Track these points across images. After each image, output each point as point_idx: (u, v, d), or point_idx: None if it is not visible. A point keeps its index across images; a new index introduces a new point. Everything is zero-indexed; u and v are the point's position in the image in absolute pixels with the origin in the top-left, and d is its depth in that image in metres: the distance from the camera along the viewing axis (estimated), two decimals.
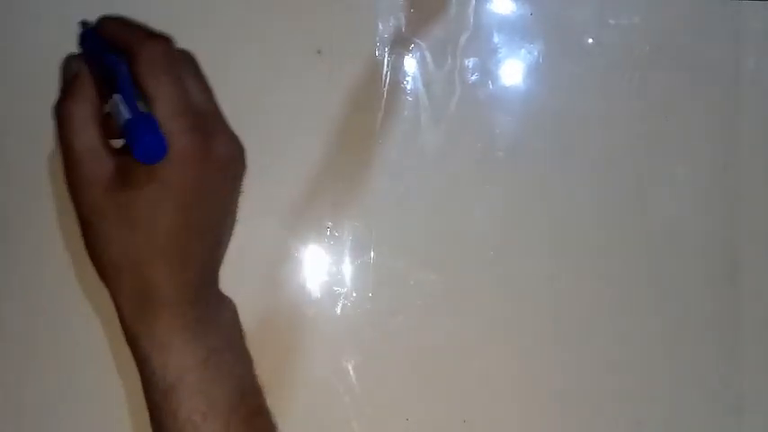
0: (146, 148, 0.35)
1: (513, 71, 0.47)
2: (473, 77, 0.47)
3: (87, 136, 0.38)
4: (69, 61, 0.41)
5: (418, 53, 0.46)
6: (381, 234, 0.47)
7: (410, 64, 0.46)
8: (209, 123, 0.38)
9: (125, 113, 0.36)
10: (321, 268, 0.46)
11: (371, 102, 0.46)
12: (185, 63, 0.40)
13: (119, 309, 0.39)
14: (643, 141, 0.48)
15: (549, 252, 0.47)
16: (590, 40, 0.47)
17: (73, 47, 0.42)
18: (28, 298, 0.46)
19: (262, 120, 0.46)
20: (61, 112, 0.38)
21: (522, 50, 0.47)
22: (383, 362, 0.47)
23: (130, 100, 0.37)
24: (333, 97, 0.46)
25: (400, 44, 0.46)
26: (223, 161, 0.38)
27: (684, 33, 0.48)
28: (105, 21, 0.41)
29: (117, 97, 0.37)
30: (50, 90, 0.47)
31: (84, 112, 0.38)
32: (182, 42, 0.44)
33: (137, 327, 0.38)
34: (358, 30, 0.46)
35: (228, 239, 0.42)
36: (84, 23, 0.42)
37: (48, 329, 0.46)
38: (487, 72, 0.47)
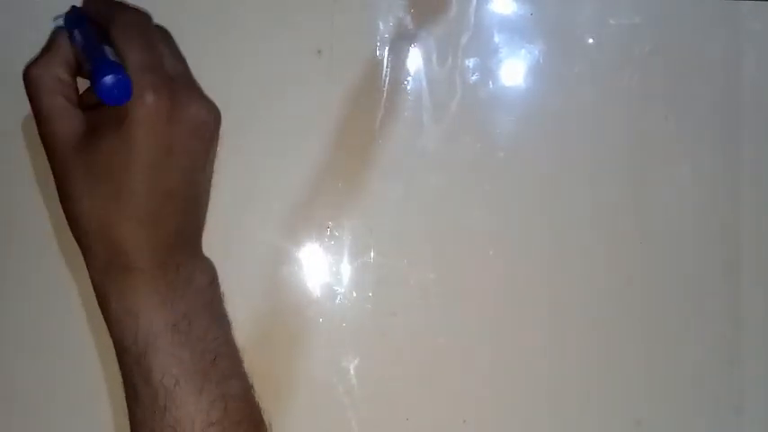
0: (108, 86, 0.35)
1: (513, 71, 0.47)
2: (474, 77, 0.47)
3: (55, 95, 0.38)
4: (52, 31, 0.41)
5: (419, 53, 0.46)
6: (381, 234, 0.47)
7: (411, 64, 0.46)
8: (178, 85, 0.38)
9: (92, 61, 0.37)
10: (321, 268, 0.46)
11: (371, 102, 0.46)
12: (161, 34, 0.41)
13: (89, 268, 0.39)
14: (643, 141, 0.48)
15: (549, 252, 0.47)
16: (590, 40, 0.47)
17: None
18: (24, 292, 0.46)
19: (262, 120, 0.46)
20: (28, 73, 0.39)
21: (523, 50, 0.47)
22: (383, 362, 0.47)
23: (100, 50, 0.37)
24: (333, 97, 0.46)
25: (401, 44, 0.46)
26: (192, 123, 0.38)
27: (684, 33, 0.48)
28: (89, 1, 0.43)
29: (86, 52, 0.38)
30: None
31: (52, 73, 0.39)
32: (182, 42, 0.44)
33: (106, 287, 0.38)
34: (358, 30, 0.46)
35: (205, 204, 0.41)
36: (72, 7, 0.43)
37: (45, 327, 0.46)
38: (488, 72, 0.47)
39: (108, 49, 0.38)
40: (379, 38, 0.46)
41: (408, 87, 0.46)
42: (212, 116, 0.39)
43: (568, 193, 0.47)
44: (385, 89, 0.46)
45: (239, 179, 0.45)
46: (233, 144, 0.44)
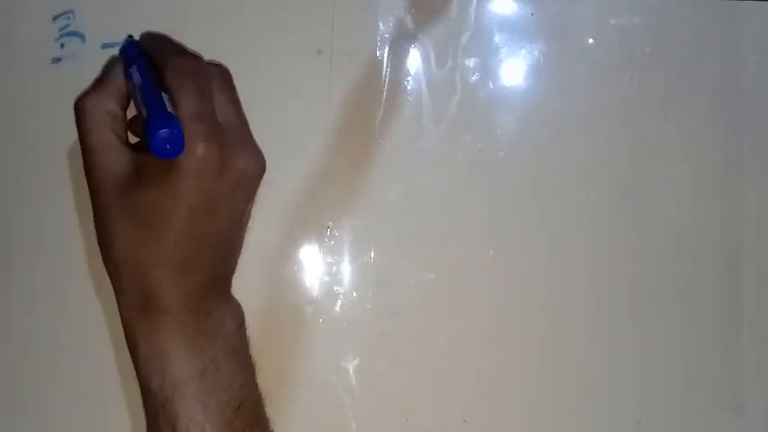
0: (161, 140, 0.34)
1: (513, 71, 0.47)
2: (474, 77, 0.47)
3: (106, 131, 0.38)
4: (108, 62, 0.42)
5: (419, 53, 0.46)
6: (381, 234, 0.47)
7: (411, 64, 0.46)
8: (230, 135, 0.38)
9: (147, 108, 0.36)
10: (321, 268, 0.46)
11: (371, 102, 0.46)
12: (216, 76, 0.40)
13: (120, 307, 0.39)
14: (643, 141, 0.48)
15: (549, 252, 0.47)
16: (590, 40, 0.47)
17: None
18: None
19: (262, 119, 0.46)
20: (82, 104, 0.38)
21: (523, 50, 0.47)
22: (383, 362, 0.47)
23: (156, 98, 0.37)
24: (333, 97, 0.46)
25: (401, 44, 0.46)
26: (240, 176, 0.38)
27: (684, 33, 0.48)
28: (146, 34, 0.42)
29: (141, 92, 0.37)
30: (49, 93, 0.47)
31: (105, 107, 0.38)
32: (184, 42, 0.44)
33: (136, 328, 0.38)
34: (358, 29, 0.46)
35: (239, 250, 0.42)
36: (129, 36, 0.44)
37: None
38: (488, 72, 0.47)
39: (165, 97, 0.37)
40: (379, 38, 0.46)
41: (408, 87, 0.46)
42: (259, 167, 0.39)
43: (568, 193, 0.47)
44: (385, 89, 0.46)
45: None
46: None
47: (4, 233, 0.46)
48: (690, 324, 0.47)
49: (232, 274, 0.41)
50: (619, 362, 0.47)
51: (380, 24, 0.46)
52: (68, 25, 0.45)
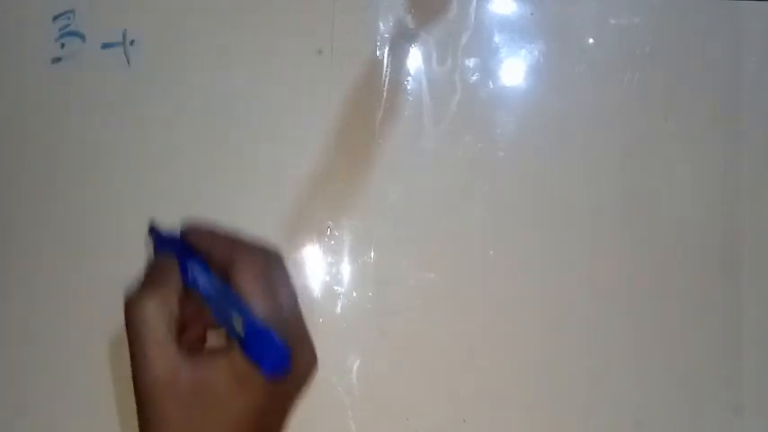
0: (275, 363, 0.34)
1: (513, 71, 0.47)
2: (474, 77, 0.47)
3: (168, 342, 0.36)
4: (157, 258, 0.39)
5: (419, 53, 0.46)
6: (381, 234, 0.47)
7: (411, 63, 0.46)
8: (295, 336, 0.37)
9: (243, 327, 0.35)
10: (321, 268, 0.46)
11: (372, 102, 0.46)
12: (277, 269, 0.38)
13: None
14: (643, 141, 0.48)
15: (549, 252, 0.47)
16: (590, 40, 0.47)
17: None
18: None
19: (262, 119, 0.46)
20: (137, 310, 0.36)
21: (523, 50, 0.47)
22: (383, 362, 0.47)
23: (252, 318, 0.35)
24: (333, 97, 0.46)
25: (401, 44, 0.46)
26: (301, 377, 0.37)
27: (684, 33, 0.48)
28: (194, 230, 0.39)
29: (220, 305, 0.36)
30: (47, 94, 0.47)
31: (165, 315, 0.36)
32: (183, 42, 0.43)
33: None
34: (359, 29, 0.46)
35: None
36: (152, 228, 0.40)
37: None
38: (488, 72, 0.47)
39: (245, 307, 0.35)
40: (379, 38, 0.46)
41: (408, 87, 0.46)
42: (315, 361, 0.38)
43: (568, 192, 0.47)
44: (385, 89, 0.46)
45: (239, 179, 0.45)
46: (233, 144, 0.44)
47: (3, 233, 0.46)
48: (690, 324, 0.47)
49: None
50: (619, 361, 0.47)
51: (380, 24, 0.46)
52: (68, 25, 0.45)
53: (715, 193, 0.48)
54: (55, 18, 0.46)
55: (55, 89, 0.46)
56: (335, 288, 0.46)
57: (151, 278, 0.38)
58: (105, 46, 0.45)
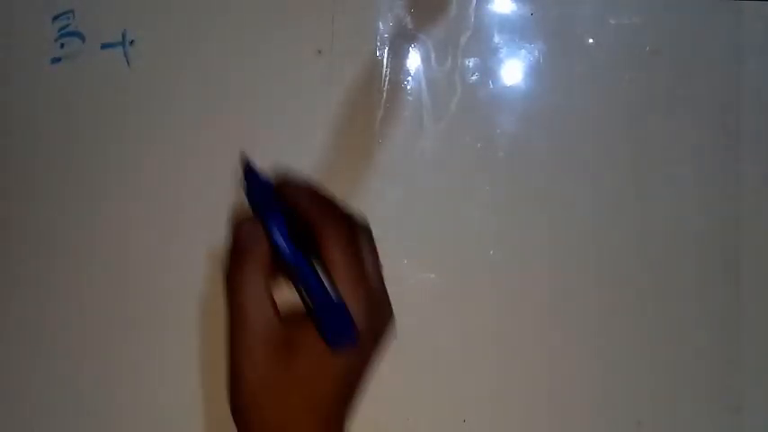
0: (340, 336, 0.35)
1: (513, 71, 0.47)
2: (473, 77, 0.47)
3: (263, 308, 0.37)
4: (242, 223, 0.39)
5: (419, 53, 0.46)
6: (381, 234, 0.47)
7: (410, 64, 0.46)
8: (379, 304, 0.38)
9: (317, 295, 0.36)
10: None
11: (371, 102, 0.46)
12: (365, 238, 0.39)
13: None
14: (643, 141, 0.48)
15: (549, 252, 0.47)
16: (590, 40, 0.47)
17: None
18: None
19: (262, 119, 0.46)
20: (241, 287, 0.37)
21: (523, 50, 0.47)
22: (383, 362, 0.47)
23: (320, 286, 0.36)
24: (333, 97, 0.46)
25: (401, 44, 0.46)
26: (384, 341, 0.38)
27: (684, 33, 0.48)
28: (285, 183, 0.39)
29: (297, 271, 0.37)
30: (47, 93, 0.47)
31: (263, 286, 0.38)
32: (183, 42, 0.43)
33: None
34: (358, 30, 0.46)
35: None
36: (248, 167, 0.39)
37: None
38: (488, 72, 0.47)
39: (320, 271, 0.36)
40: (379, 38, 0.46)
41: (408, 87, 0.46)
42: (391, 322, 0.39)
43: (568, 192, 0.47)
44: (385, 89, 0.46)
45: (239, 179, 0.45)
46: (233, 144, 0.43)
47: (3, 233, 0.46)
48: (690, 324, 0.47)
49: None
50: (619, 362, 0.47)
51: (380, 24, 0.46)
52: (68, 25, 0.45)
53: (715, 193, 0.48)
54: (55, 18, 0.46)
55: (55, 89, 0.46)
56: None
57: (240, 246, 0.38)
58: (105, 46, 0.45)
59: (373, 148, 0.46)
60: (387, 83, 0.46)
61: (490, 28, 0.47)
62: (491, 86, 0.47)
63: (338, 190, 0.46)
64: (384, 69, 0.46)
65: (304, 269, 0.37)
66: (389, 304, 0.40)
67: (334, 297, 0.36)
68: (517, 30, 0.47)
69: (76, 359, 0.46)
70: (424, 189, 0.47)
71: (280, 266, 0.38)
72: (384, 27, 0.46)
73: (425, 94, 0.46)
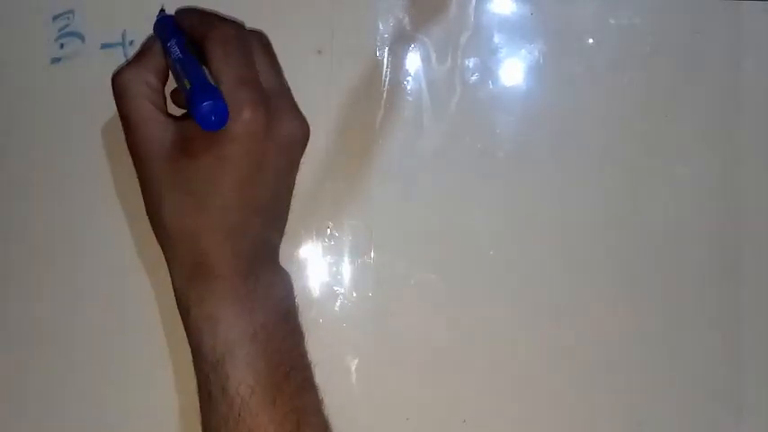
0: (206, 112, 0.35)
1: (513, 71, 0.47)
2: (473, 77, 0.47)
3: (145, 101, 0.38)
4: (146, 40, 0.42)
5: (419, 53, 0.46)
6: (381, 234, 0.47)
7: (410, 64, 0.46)
8: (275, 101, 0.38)
9: (190, 82, 0.37)
10: (321, 268, 0.46)
11: (371, 102, 0.46)
12: (257, 42, 0.41)
13: (172, 275, 0.39)
14: (643, 141, 0.48)
15: (549, 252, 0.47)
16: (590, 40, 0.47)
17: None
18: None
19: None
20: (118, 78, 0.39)
21: (523, 50, 0.47)
22: (383, 362, 0.47)
23: (198, 71, 0.37)
24: (333, 97, 0.46)
25: (401, 44, 0.46)
26: (285, 141, 0.38)
27: (684, 33, 0.48)
28: (181, 11, 0.42)
29: (181, 66, 0.38)
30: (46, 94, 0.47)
31: (143, 79, 0.39)
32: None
33: (188, 295, 0.38)
34: (358, 29, 0.46)
35: (286, 217, 0.42)
36: (162, 10, 0.44)
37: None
38: (488, 72, 0.47)
39: (205, 70, 0.38)
40: (379, 38, 0.46)
41: (408, 87, 0.46)
42: (303, 133, 0.40)
43: (568, 192, 0.47)
44: (385, 89, 0.46)
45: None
46: None
47: (3, 233, 0.46)
48: (690, 324, 0.47)
49: (279, 243, 0.42)
50: (619, 361, 0.47)
51: (380, 24, 0.46)
52: (68, 25, 0.45)
53: (715, 193, 0.48)
54: (55, 18, 0.46)
55: (54, 89, 0.46)
56: (335, 288, 0.46)
57: (134, 56, 0.41)
58: (105, 46, 0.45)
59: (373, 148, 0.46)
60: (387, 83, 0.46)
61: (490, 28, 0.47)
62: (491, 86, 0.47)
63: (338, 190, 0.46)
64: (384, 69, 0.46)
65: (185, 58, 0.38)
66: (296, 110, 0.40)
67: (207, 79, 0.36)
68: (517, 30, 0.47)
69: (77, 359, 0.46)
70: (423, 189, 0.47)
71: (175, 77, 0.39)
72: (384, 27, 0.46)
73: (425, 94, 0.46)
